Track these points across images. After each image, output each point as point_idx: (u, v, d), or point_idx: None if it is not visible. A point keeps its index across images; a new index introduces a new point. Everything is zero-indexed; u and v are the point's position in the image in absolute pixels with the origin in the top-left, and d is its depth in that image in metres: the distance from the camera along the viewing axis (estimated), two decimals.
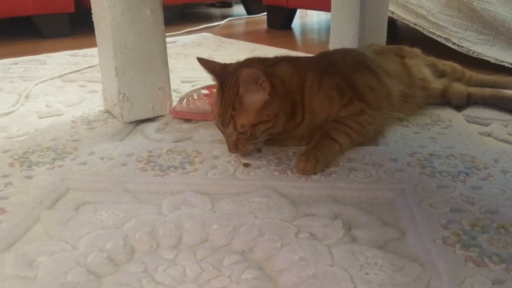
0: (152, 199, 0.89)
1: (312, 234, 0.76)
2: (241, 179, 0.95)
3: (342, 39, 1.62)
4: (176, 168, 1.00)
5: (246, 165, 1.00)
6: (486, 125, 1.22)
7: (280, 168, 0.99)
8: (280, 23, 2.75)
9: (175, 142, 1.15)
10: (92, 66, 1.90)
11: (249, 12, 3.40)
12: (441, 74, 1.38)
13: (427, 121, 1.25)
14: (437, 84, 1.33)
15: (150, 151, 1.08)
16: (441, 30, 1.91)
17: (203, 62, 1.04)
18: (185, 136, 1.19)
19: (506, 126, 1.20)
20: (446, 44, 1.88)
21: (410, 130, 1.19)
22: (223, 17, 3.29)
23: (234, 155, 1.05)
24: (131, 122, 1.26)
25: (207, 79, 1.66)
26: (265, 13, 3.39)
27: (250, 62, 1.04)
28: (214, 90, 1.33)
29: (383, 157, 1.03)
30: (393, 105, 1.20)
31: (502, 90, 1.36)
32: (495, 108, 1.31)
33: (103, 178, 0.96)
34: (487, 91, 1.34)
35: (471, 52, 1.81)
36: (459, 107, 1.34)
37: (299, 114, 1.04)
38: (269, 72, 0.98)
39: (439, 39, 1.91)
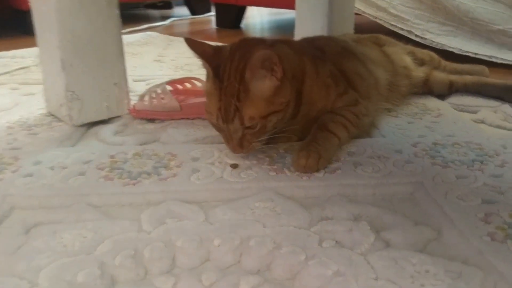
0: (127, 214, 0.71)
1: (337, 242, 0.62)
2: (232, 182, 0.79)
3: (309, 31, 1.50)
4: (149, 174, 0.82)
5: (235, 166, 0.85)
6: (475, 112, 1.15)
7: (275, 167, 0.84)
8: (229, 22, 2.60)
9: (140, 145, 0.97)
10: (24, 68, 1.66)
11: (194, 12, 3.22)
12: (420, 63, 1.30)
13: (415, 110, 1.16)
14: (419, 72, 1.25)
15: (112, 157, 0.90)
16: (403, 22, 1.86)
17: (191, 43, 0.85)
18: (151, 138, 1.01)
19: (495, 112, 1.13)
20: (409, 36, 1.82)
21: (402, 120, 1.09)
22: (163, 18, 3.09)
23: (216, 155, 0.89)
24: (82, 125, 1.07)
25: (163, 77, 1.49)
26: (211, 13, 3.25)
27: (250, 42, 0.88)
28: (179, 85, 1.18)
29: (385, 149, 0.91)
30: (381, 95, 1.10)
31: (483, 77, 1.31)
32: (477, 95, 1.25)
33: (58, 192, 0.77)
34: (469, 78, 1.28)
35: (435, 43, 1.76)
36: (441, 96, 1.27)
37: (296, 104, 0.90)
38: (279, 54, 0.82)
39: (401, 32, 1.85)
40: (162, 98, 1.10)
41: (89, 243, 0.63)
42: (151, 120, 1.10)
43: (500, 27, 1.65)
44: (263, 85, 0.81)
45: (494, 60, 1.63)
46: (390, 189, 0.77)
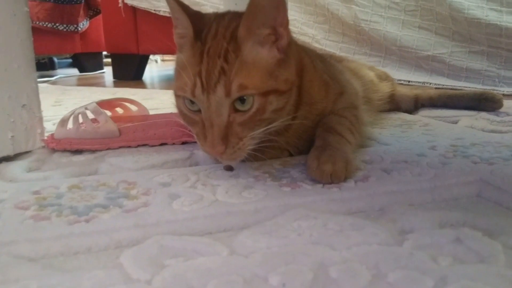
0: (90, 262, 0.43)
1: (456, 258, 0.40)
2: (238, 203, 0.54)
3: None
4: (105, 207, 0.54)
5: (229, 168, 0.61)
6: (456, 122, 1.03)
7: (284, 182, 0.61)
8: (130, 73, 2.32)
9: (73, 177, 0.67)
10: None
11: (83, 69, 2.88)
12: (380, 79, 1.17)
13: (397, 122, 1.01)
14: (384, 87, 1.12)
15: (36, 192, 0.59)
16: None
17: None
18: (86, 171, 0.72)
19: (477, 120, 1.02)
20: None
21: (393, 130, 0.93)
22: (45, 77, 2.69)
23: (194, 178, 0.63)
24: None
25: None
26: (103, 70, 2.97)
27: (239, 12, 0.66)
28: (107, 111, 0.91)
29: (404, 154, 0.73)
30: (361, 106, 0.93)
31: (447, 89, 1.22)
32: (444, 108, 1.15)
33: None
34: (433, 92, 1.18)
35: None
36: (408, 112, 1.15)
37: (290, 103, 0.68)
38: None
39: None
40: (93, 121, 0.82)
41: None
42: (78, 152, 0.81)
43: (429, 53, 1.63)
44: (262, 52, 0.60)
45: (427, 85, 1.60)
46: (449, 191, 0.58)
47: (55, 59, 3.30)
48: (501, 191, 0.56)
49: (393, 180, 0.61)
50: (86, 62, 2.90)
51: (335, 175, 0.59)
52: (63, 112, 1.30)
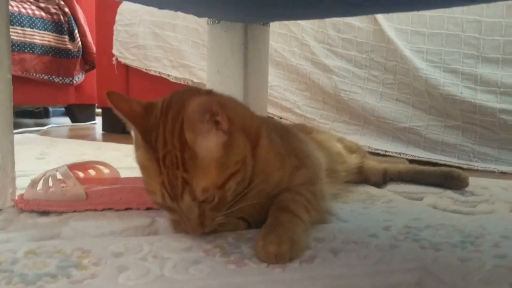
0: None
1: None
2: (181, 280, 0.56)
3: None
4: (53, 277, 0.56)
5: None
6: (421, 199, 1.05)
7: (232, 258, 0.63)
8: (119, 127, 2.36)
9: (34, 241, 0.69)
10: None
11: (75, 120, 2.93)
12: (350, 151, 1.21)
13: (362, 197, 1.04)
14: (352, 159, 1.16)
15: None
16: (309, 122, 1.83)
17: (115, 98, 0.66)
18: (48, 234, 0.74)
19: (441, 198, 1.05)
20: None
21: (355, 205, 0.96)
22: (38, 125, 2.74)
23: (147, 249, 0.65)
24: None
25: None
26: (94, 121, 3.02)
27: (184, 95, 0.70)
28: (80, 173, 0.94)
29: (356, 234, 0.75)
30: (325, 179, 0.96)
31: (416, 165, 1.26)
32: (413, 183, 1.18)
33: None
34: (401, 166, 1.22)
35: None
36: (377, 184, 1.18)
37: (248, 171, 0.72)
38: (219, 100, 0.67)
39: None
40: (63, 184, 0.85)
41: None
42: (45, 213, 0.83)
43: (406, 125, 1.68)
44: (209, 143, 0.64)
45: (403, 156, 1.63)
46: (391, 278, 0.60)
47: (50, 108, 3.37)
48: (440, 282, 0.58)
49: (339, 262, 0.63)
50: (78, 113, 2.96)
51: (279, 256, 0.61)
52: (44, 167, 1.34)
